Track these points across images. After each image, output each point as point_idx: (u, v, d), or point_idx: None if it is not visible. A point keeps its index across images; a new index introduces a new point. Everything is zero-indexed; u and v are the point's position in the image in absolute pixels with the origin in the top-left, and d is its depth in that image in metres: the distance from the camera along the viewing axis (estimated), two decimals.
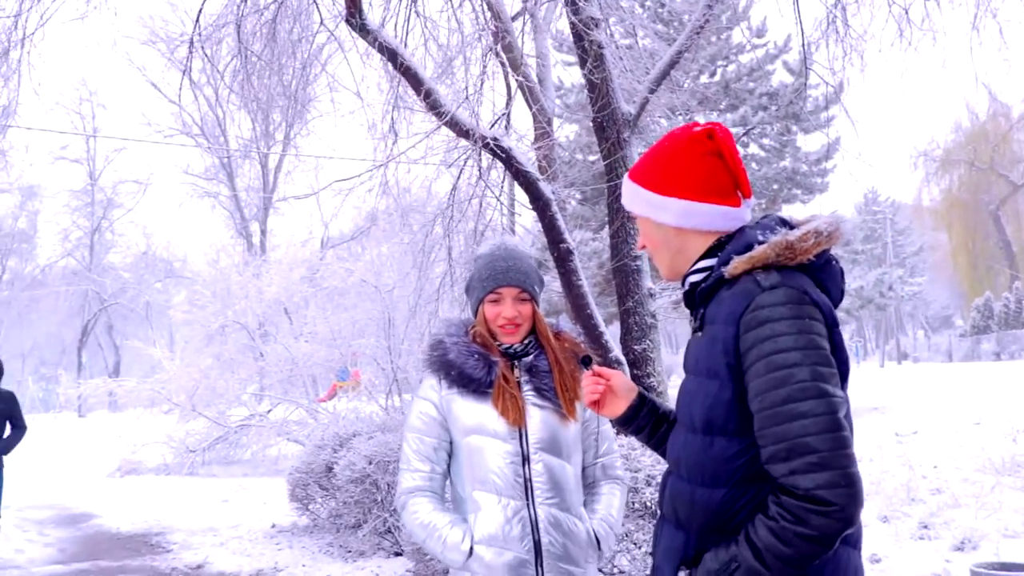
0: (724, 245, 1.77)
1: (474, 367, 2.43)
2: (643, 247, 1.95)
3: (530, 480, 2.39)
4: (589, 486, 2.59)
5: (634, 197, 1.90)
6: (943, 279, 60.17)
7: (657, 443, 2.04)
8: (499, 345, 2.52)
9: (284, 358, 14.98)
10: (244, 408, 16.97)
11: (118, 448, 17.56)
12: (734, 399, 1.63)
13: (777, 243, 1.66)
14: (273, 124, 35.38)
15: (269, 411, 16.57)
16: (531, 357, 2.51)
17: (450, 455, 2.51)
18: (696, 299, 1.81)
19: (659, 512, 1.85)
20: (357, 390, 13.47)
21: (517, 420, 2.40)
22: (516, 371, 2.49)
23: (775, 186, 21.42)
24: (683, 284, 1.87)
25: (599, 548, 2.49)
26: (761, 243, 1.69)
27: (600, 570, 5.59)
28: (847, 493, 1.49)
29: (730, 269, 1.69)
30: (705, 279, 1.78)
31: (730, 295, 1.67)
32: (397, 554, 7.36)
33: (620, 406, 2.04)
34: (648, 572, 5.07)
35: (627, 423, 2.05)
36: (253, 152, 36.53)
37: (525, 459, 2.39)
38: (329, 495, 8.44)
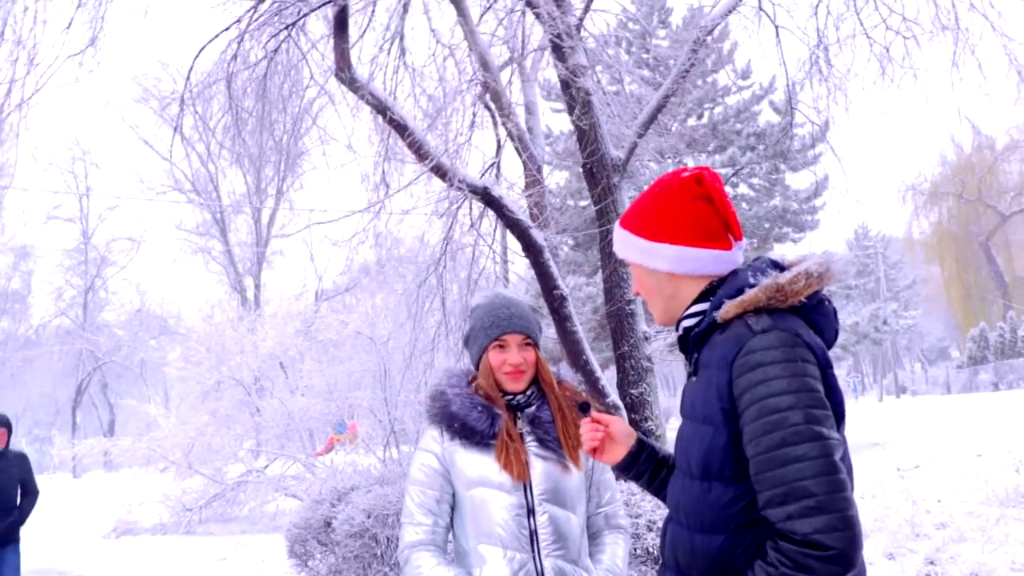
0: (716, 289, 1.78)
1: (477, 419, 2.42)
2: (637, 293, 1.96)
3: (535, 532, 2.36)
4: (592, 536, 2.57)
5: (626, 244, 1.91)
6: (937, 311, 60.30)
7: (657, 488, 2.03)
8: (503, 396, 2.50)
9: (280, 413, 14.90)
10: (241, 464, 16.83)
11: (113, 508, 17.35)
12: (729, 444, 1.62)
13: (768, 286, 1.67)
14: (265, 179, 35.69)
15: (266, 467, 16.43)
16: (534, 408, 2.49)
17: (452, 507, 2.48)
18: (690, 344, 1.81)
19: (661, 559, 1.83)
20: (354, 443, 13.38)
21: (521, 475, 2.38)
22: (519, 422, 2.48)
23: (766, 225, 21.57)
24: (677, 329, 1.87)
25: None
26: (752, 286, 1.69)
27: None
28: (845, 536, 1.48)
29: (722, 313, 1.70)
30: (698, 324, 1.78)
31: (722, 340, 1.67)
32: None
33: (619, 452, 2.04)
34: None
35: (627, 469, 2.05)
36: (245, 207, 36.73)
37: (530, 511, 2.37)
38: (328, 550, 8.33)
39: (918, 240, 54.47)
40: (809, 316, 1.70)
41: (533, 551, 2.36)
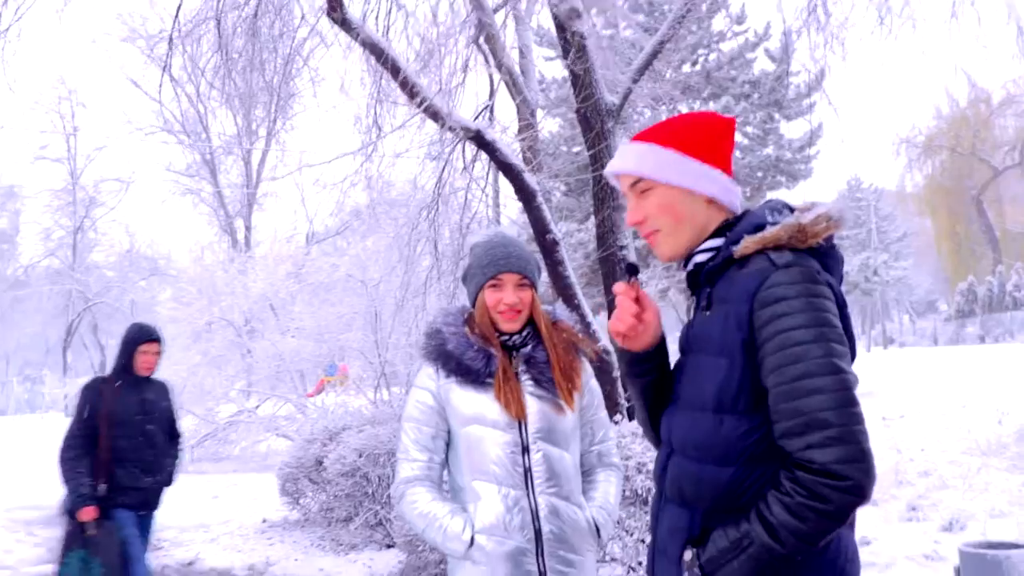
0: (732, 226, 1.77)
1: (473, 358, 2.43)
2: (640, 221, 1.82)
3: (530, 469, 2.40)
4: (585, 473, 2.60)
5: (667, 163, 1.79)
6: (927, 264, 60.58)
7: (650, 397, 1.95)
8: (498, 336, 2.51)
9: (271, 354, 14.94)
10: (232, 405, 16.92)
11: None
12: (745, 377, 1.63)
13: (790, 225, 1.67)
14: (256, 120, 35.22)
15: (257, 407, 16.53)
16: (529, 348, 2.51)
17: (448, 444, 2.50)
18: (702, 279, 1.79)
19: (659, 493, 1.83)
20: (345, 384, 13.45)
21: (519, 413, 2.40)
22: (514, 362, 2.49)
23: (759, 174, 21.51)
24: (686, 265, 1.83)
25: (598, 535, 2.51)
26: (772, 224, 1.70)
27: None
28: (861, 468, 1.50)
29: (740, 249, 1.69)
30: (712, 259, 1.77)
31: (743, 274, 1.67)
32: (389, 546, 7.37)
33: (640, 343, 1.91)
34: (642, 560, 5.09)
35: (643, 362, 1.93)
36: (235, 149, 36.36)
37: (525, 449, 2.41)
38: (319, 489, 8.44)
39: (910, 193, 54.54)
40: (823, 259, 1.70)
41: (527, 488, 2.39)
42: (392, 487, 2.49)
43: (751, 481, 1.62)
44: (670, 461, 1.80)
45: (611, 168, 1.89)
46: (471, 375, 2.43)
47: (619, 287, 1.87)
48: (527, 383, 2.46)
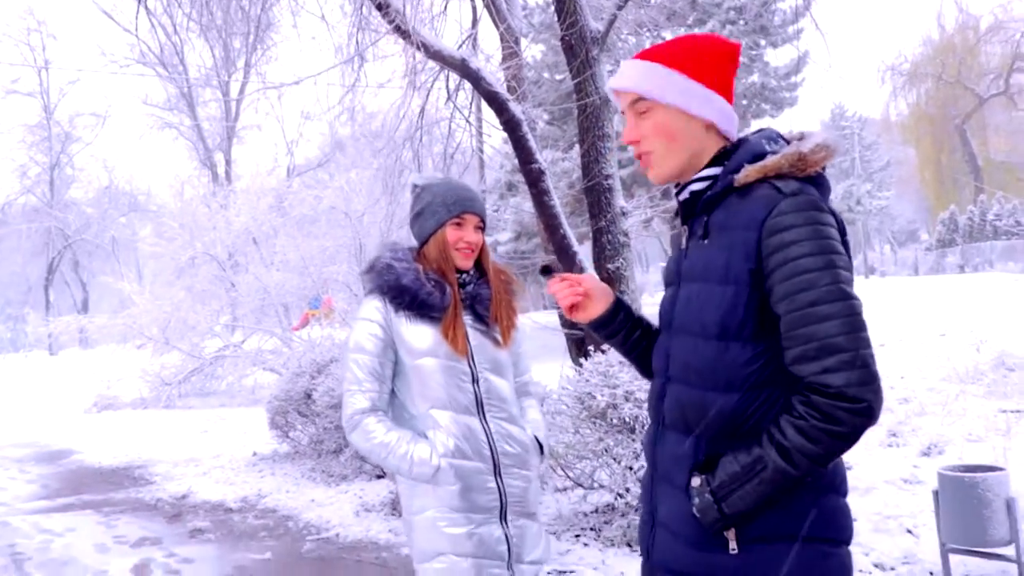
0: (729, 154, 1.76)
1: (429, 293, 2.52)
2: (635, 141, 1.81)
3: (480, 397, 2.56)
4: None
5: (670, 84, 1.77)
6: (910, 193, 60.65)
7: (630, 348, 2.04)
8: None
9: (255, 288, 14.91)
10: (218, 339, 16.93)
11: (93, 384, 17.50)
12: (752, 304, 1.63)
13: (790, 154, 1.67)
14: (234, 51, 34.51)
15: (243, 341, 16.55)
16: (473, 286, 2.64)
17: (394, 376, 2.59)
18: (699, 208, 1.78)
19: (656, 422, 1.84)
20: (330, 317, 13.46)
21: (463, 349, 2.54)
22: (460, 298, 2.61)
23: (744, 101, 21.33)
24: (681, 192, 1.82)
25: (541, 452, 2.70)
26: (771, 153, 1.69)
27: (580, 484, 5.73)
28: (873, 389, 1.53)
29: (741, 177, 1.69)
30: (710, 187, 1.76)
31: (747, 201, 1.67)
32: (379, 476, 7.47)
33: (597, 309, 2.02)
34: (629, 486, 5.18)
35: (603, 326, 2.03)
36: (214, 80, 35.67)
37: (474, 379, 2.56)
38: (309, 421, 8.51)
39: (895, 121, 54.26)
40: (819, 187, 1.71)
41: (479, 414, 2.55)
42: (345, 419, 2.55)
43: (755, 407, 1.64)
44: (667, 388, 1.80)
45: (612, 84, 1.86)
46: (425, 308, 2.53)
47: (549, 288, 2.02)
48: (468, 318, 2.60)
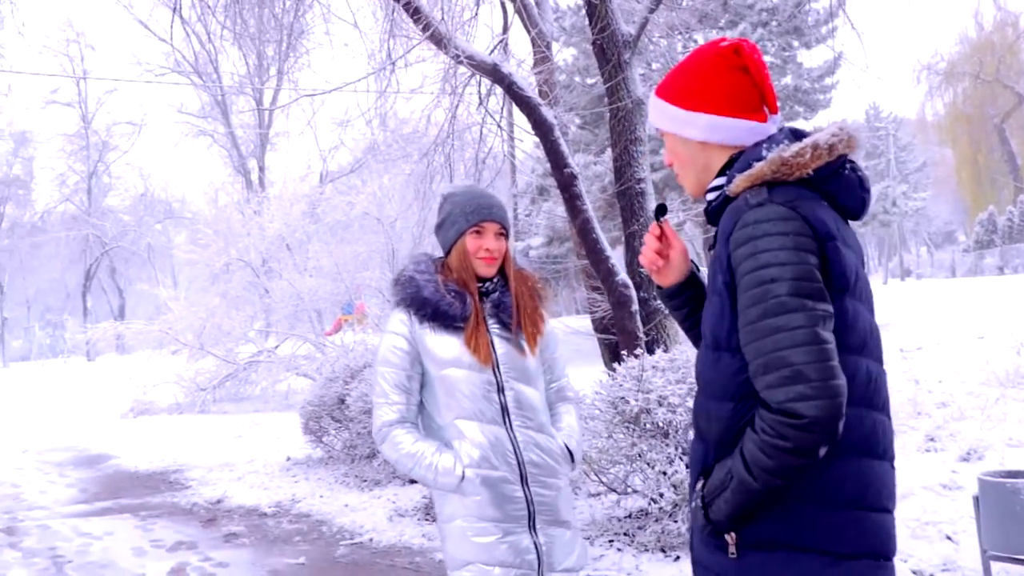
0: (733, 163, 1.77)
1: (450, 304, 2.54)
2: (670, 164, 1.94)
3: (506, 407, 2.56)
4: (548, 408, 2.77)
5: (660, 113, 1.89)
6: (946, 194, 59.81)
7: (689, 326, 2.06)
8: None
9: (289, 294, 15.04)
10: (252, 345, 17.09)
11: (129, 390, 17.73)
12: (732, 315, 1.66)
13: (772, 160, 1.67)
14: (267, 59, 34.87)
15: (277, 347, 16.69)
16: (497, 294, 2.64)
17: (422, 387, 2.62)
18: (711, 218, 1.84)
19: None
20: (363, 323, 13.54)
21: (487, 359, 2.54)
22: (484, 307, 2.62)
23: (777, 104, 21.15)
24: (706, 201, 1.89)
25: (572, 460, 2.69)
26: (762, 159, 1.69)
27: (613, 490, 5.70)
28: (819, 405, 1.50)
29: (732, 187, 1.71)
30: (716, 198, 1.80)
31: (725, 214, 1.71)
32: (412, 481, 7.49)
33: (672, 277, 2.04)
34: (663, 491, 5.15)
35: (671, 297, 2.06)
36: (247, 88, 36.05)
37: (500, 388, 2.56)
38: (342, 427, 8.55)
39: (931, 121, 53.54)
40: (824, 188, 1.69)
41: (505, 423, 2.55)
42: (374, 430, 2.60)
43: (749, 417, 1.64)
44: (695, 395, 1.85)
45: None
46: (447, 319, 2.54)
47: (650, 231, 2.03)
48: (494, 327, 2.61)
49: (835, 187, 1.71)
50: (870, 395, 1.65)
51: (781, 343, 1.53)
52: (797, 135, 1.75)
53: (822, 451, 1.55)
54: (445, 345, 2.54)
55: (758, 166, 1.67)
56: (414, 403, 2.60)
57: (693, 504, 1.72)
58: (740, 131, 1.79)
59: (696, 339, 2.03)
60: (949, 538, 4.92)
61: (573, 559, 2.62)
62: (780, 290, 1.55)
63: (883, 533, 1.67)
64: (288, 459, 9.56)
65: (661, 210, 2.03)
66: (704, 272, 1.97)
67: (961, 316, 16.62)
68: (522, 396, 2.59)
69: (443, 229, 2.67)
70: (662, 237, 2.01)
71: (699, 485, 1.72)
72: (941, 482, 6.01)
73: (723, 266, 1.66)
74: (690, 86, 1.83)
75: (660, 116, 1.89)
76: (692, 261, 2.05)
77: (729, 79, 1.80)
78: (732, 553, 1.66)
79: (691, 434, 1.83)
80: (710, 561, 1.73)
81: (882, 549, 1.66)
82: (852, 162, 1.75)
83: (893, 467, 1.73)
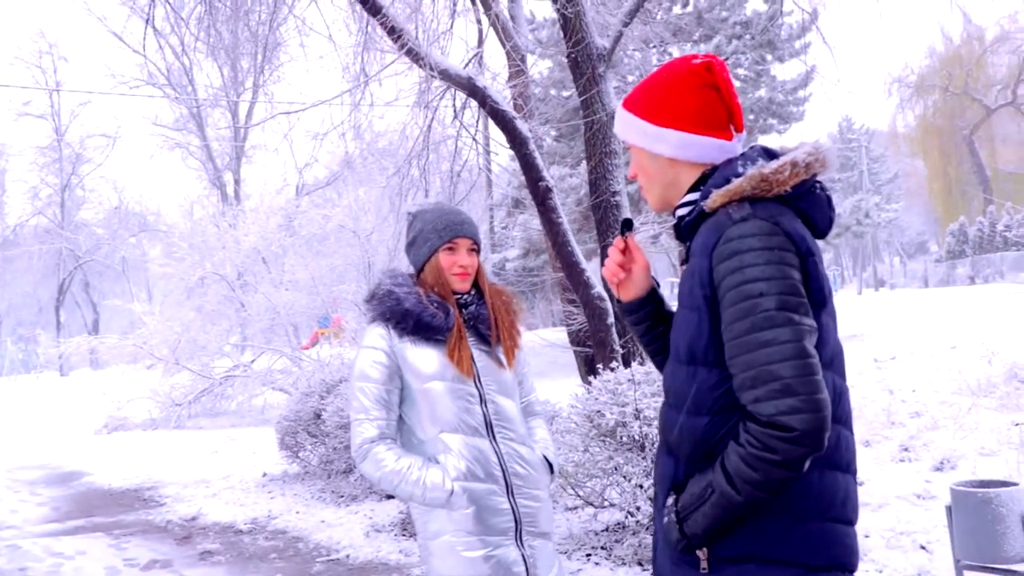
0: (708, 178, 1.78)
1: (433, 316, 2.54)
2: (634, 177, 1.94)
3: (489, 419, 2.56)
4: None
5: (628, 127, 1.89)
6: (918, 205, 60.49)
7: (648, 341, 2.07)
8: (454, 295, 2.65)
9: (265, 307, 14.96)
10: (228, 359, 16.94)
11: (103, 405, 17.52)
12: (711, 330, 1.66)
13: (752, 176, 1.68)
14: (242, 71, 34.73)
15: (253, 361, 16.57)
16: (474, 307, 2.65)
17: (401, 402, 2.60)
18: (683, 233, 1.84)
19: (660, 442, 1.89)
20: (340, 336, 13.47)
21: (469, 370, 2.55)
22: (462, 320, 2.63)
23: (751, 116, 21.30)
24: (673, 216, 1.89)
25: (551, 471, 2.73)
26: (740, 175, 1.70)
27: (590, 503, 5.70)
28: (807, 418, 1.52)
29: (709, 203, 1.71)
30: (689, 213, 1.81)
31: (705, 228, 1.71)
32: (389, 497, 7.45)
33: (633, 291, 2.05)
34: (640, 504, 5.16)
35: (632, 311, 2.06)
36: (222, 101, 35.87)
37: (482, 400, 2.56)
38: (318, 442, 8.50)
39: (902, 133, 54.16)
40: (798, 205, 1.72)
41: (489, 436, 2.56)
42: (354, 448, 2.56)
43: (724, 431, 1.66)
44: (663, 410, 1.85)
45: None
46: (429, 332, 2.53)
47: (615, 246, 2.04)
48: (472, 339, 2.61)
49: (807, 205, 1.73)
50: (837, 410, 1.67)
51: (771, 357, 1.54)
52: (769, 154, 1.77)
53: (806, 464, 1.57)
54: (426, 358, 2.53)
55: (737, 182, 1.68)
56: (394, 419, 2.58)
57: (665, 519, 1.71)
58: (710, 149, 1.81)
59: (655, 354, 2.07)
60: (923, 547, 4.96)
61: (555, 571, 2.63)
62: (768, 304, 1.56)
63: (849, 545, 1.70)
64: (264, 475, 9.48)
65: (627, 224, 2.06)
66: (666, 290, 1.98)
67: (934, 326, 16.80)
68: (502, 408, 2.60)
69: (415, 247, 2.68)
70: (626, 251, 2.02)
71: (670, 500, 1.71)
72: (915, 492, 6.06)
73: (703, 280, 1.66)
74: (661, 102, 1.83)
75: (628, 129, 1.90)
76: (653, 278, 2.07)
77: (700, 96, 1.81)
78: (704, 568, 1.66)
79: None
80: None
81: (848, 561, 1.69)
82: (819, 182, 1.78)
83: (856, 481, 1.75)
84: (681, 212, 1.84)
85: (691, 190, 1.82)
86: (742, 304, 1.58)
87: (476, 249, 2.68)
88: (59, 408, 21.94)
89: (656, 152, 1.84)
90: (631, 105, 1.89)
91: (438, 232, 2.62)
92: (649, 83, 1.88)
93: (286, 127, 36.26)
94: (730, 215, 1.65)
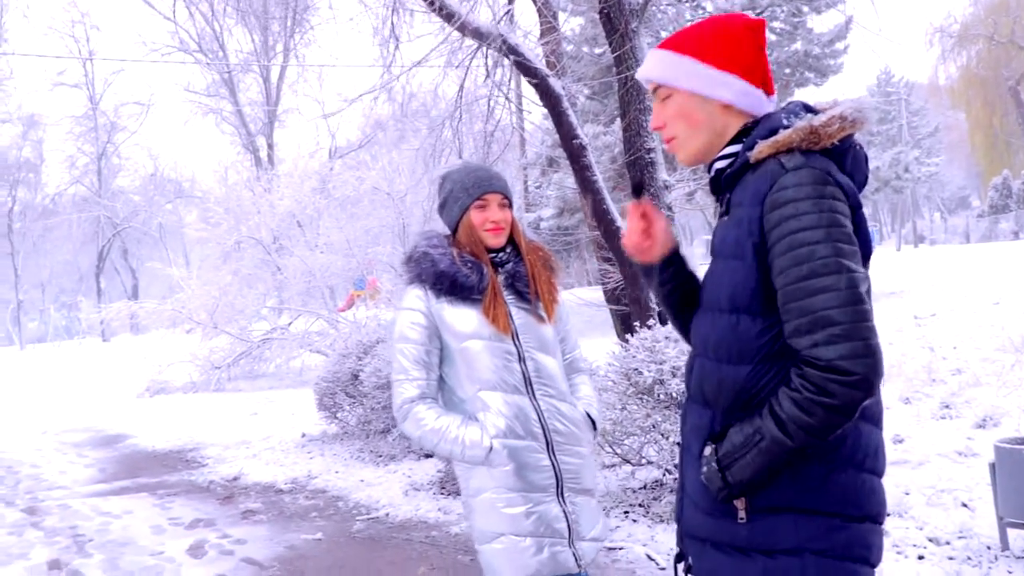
0: (750, 131, 1.78)
1: (467, 276, 2.54)
2: (661, 126, 1.89)
3: (528, 376, 2.57)
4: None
5: (676, 68, 1.84)
6: (959, 159, 59.28)
7: (671, 304, 2.06)
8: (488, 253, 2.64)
9: (301, 271, 15.07)
10: (265, 322, 17.15)
11: (144, 369, 17.86)
12: (758, 277, 1.66)
13: (801, 128, 1.68)
14: (272, 36, 34.73)
15: (290, 324, 16.75)
16: (511, 264, 2.65)
17: (441, 361, 2.61)
18: (722, 184, 1.82)
19: (687, 395, 1.89)
20: (375, 298, 13.55)
21: (506, 327, 2.55)
22: (499, 278, 2.62)
23: (787, 70, 20.92)
24: (709, 170, 1.87)
25: (594, 428, 2.72)
26: (786, 128, 1.70)
27: (628, 461, 5.71)
28: (866, 363, 1.53)
29: (755, 154, 1.71)
30: (731, 164, 1.79)
31: (755, 177, 1.70)
32: (427, 456, 7.52)
33: (655, 253, 2.03)
34: (677, 462, 5.16)
35: (659, 272, 2.05)
36: (254, 66, 35.92)
37: (521, 358, 2.57)
38: (356, 402, 8.59)
39: (943, 85, 52.80)
40: (840, 159, 1.72)
41: (528, 393, 2.56)
42: (395, 408, 2.59)
43: (767, 379, 1.66)
44: (695, 362, 1.85)
45: (638, 74, 1.96)
46: (464, 291, 2.54)
47: (630, 210, 2.00)
48: (510, 297, 2.61)
49: (848, 159, 1.73)
50: None
51: (829, 303, 1.54)
52: (808, 109, 1.77)
53: (858, 411, 1.57)
54: (464, 318, 2.54)
55: (785, 133, 1.68)
56: (434, 378, 2.59)
57: (705, 468, 1.70)
58: (762, 102, 1.81)
59: (677, 313, 2.05)
60: (965, 505, 4.90)
61: (599, 528, 2.63)
62: (824, 251, 1.56)
63: (881, 497, 1.71)
64: (303, 435, 9.61)
65: (638, 190, 2.02)
66: (700, 248, 1.95)
67: (975, 282, 16.50)
68: (542, 365, 2.59)
69: (447, 208, 2.68)
70: (644, 215, 1.99)
71: (708, 450, 1.71)
72: (957, 449, 5.99)
73: (752, 228, 1.66)
74: (725, 48, 1.81)
75: (676, 71, 1.84)
76: (672, 236, 2.05)
77: (755, 52, 1.82)
78: (741, 518, 1.67)
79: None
80: (713, 529, 1.73)
81: (880, 513, 1.70)
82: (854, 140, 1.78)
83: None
84: (720, 165, 1.82)
85: (729, 143, 1.81)
86: (799, 251, 1.58)
87: (508, 204, 2.67)
88: (102, 373, 22.41)
89: (715, 96, 1.81)
90: (682, 47, 1.84)
91: (467, 190, 2.62)
92: (706, 30, 1.84)
93: (318, 91, 36.20)
94: (782, 164, 1.65)
